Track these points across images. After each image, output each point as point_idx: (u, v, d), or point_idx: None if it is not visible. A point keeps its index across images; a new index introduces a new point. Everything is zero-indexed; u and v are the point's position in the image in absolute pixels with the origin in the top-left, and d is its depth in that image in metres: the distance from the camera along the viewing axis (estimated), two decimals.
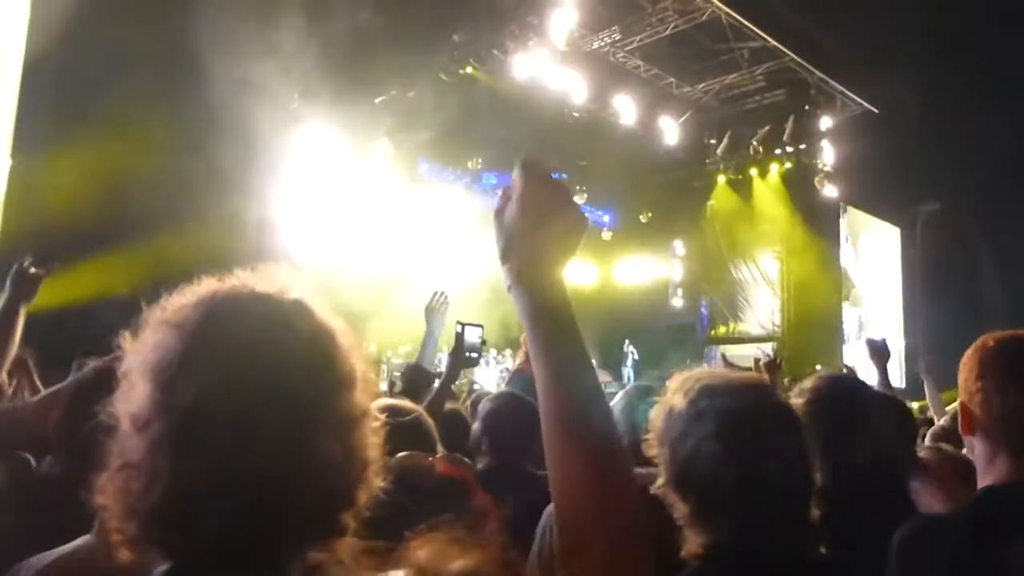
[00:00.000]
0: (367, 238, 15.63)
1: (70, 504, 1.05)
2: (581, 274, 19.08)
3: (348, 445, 0.87)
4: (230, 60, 9.67)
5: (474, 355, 3.58)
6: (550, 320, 1.03)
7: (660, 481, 1.36)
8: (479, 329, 3.56)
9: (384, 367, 14.00)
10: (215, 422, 0.80)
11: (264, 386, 0.82)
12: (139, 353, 0.85)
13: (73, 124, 8.95)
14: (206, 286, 0.90)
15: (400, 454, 1.39)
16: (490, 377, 14.17)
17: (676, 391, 1.41)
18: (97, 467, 0.84)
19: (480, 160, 15.69)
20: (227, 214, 10.44)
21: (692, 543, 1.32)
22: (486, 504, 1.54)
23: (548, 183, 1.08)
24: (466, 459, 1.67)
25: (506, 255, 1.07)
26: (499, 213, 1.09)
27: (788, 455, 1.32)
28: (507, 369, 13.57)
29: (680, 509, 1.33)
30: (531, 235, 1.05)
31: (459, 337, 3.50)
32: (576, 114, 15.26)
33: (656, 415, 1.42)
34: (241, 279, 0.92)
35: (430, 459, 1.37)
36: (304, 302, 0.91)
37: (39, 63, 8.77)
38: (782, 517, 1.30)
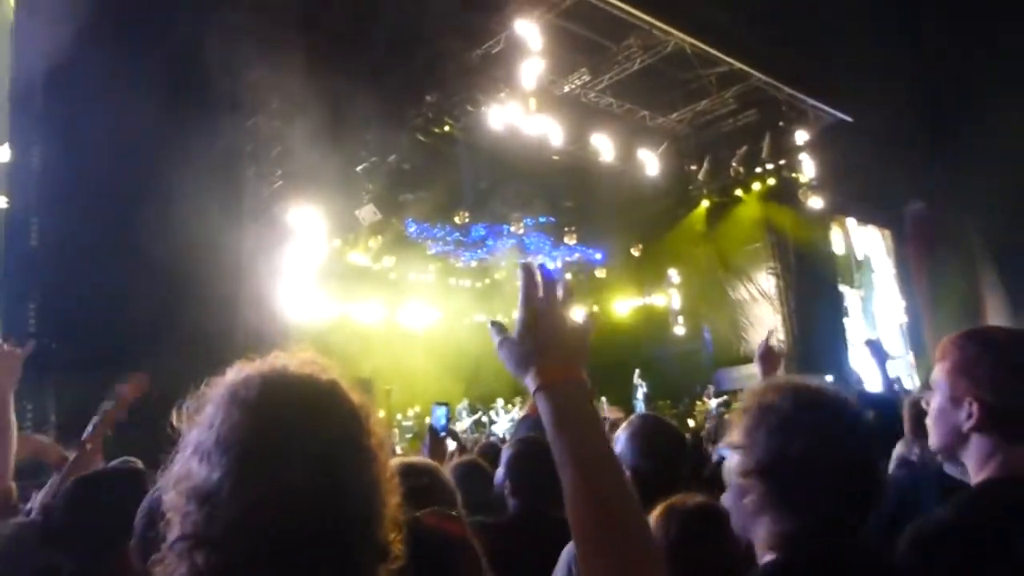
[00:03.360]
0: (363, 305, 15.71)
1: None
2: (580, 315, 19.01)
3: (381, 505, 0.98)
4: (210, 149, 9.83)
5: (441, 435, 4.03)
6: (576, 420, 1.07)
7: (742, 468, 1.44)
8: (444, 408, 4.17)
9: (396, 430, 14.00)
10: (279, 488, 0.90)
11: (318, 453, 0.93)
12: (205, 428, 0.95)
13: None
14: (251, 367, 1.00)
15: None
16: (502, 427, 14.22)
17: (768, 391, 1.48)
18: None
19: (467, 214, 15.85)
20: (220, 297, 10.43)
21: (767, 532, 1.40)
22: (478, 558, 1.61)
23: (550, 298, 1.15)
24: (454, 512, 1.78)
25: (525, 366, 1.12)
26: (504, 343, 1.15)
27: (864, 457, 1.41)
28: (513, 419, 13.64)
29: (758, 494, 1.40)
30: (548, 344, 1.12)
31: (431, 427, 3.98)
32: (556, 157, 15.49)
33: (745, 408, 1.49)
34: (277, 360, 1.02)
35: (416, 514, 1.46)
36: (338, 382, 1.02)
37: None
38: (856, 515, 1.38)
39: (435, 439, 3.89)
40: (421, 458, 2.50)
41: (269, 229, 12.07)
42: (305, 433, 0.93)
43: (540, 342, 1.12)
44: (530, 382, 1.11)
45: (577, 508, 1.02)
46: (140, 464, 2.94)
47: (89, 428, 2.79)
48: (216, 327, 9.77)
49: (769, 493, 1.38)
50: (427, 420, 14.43)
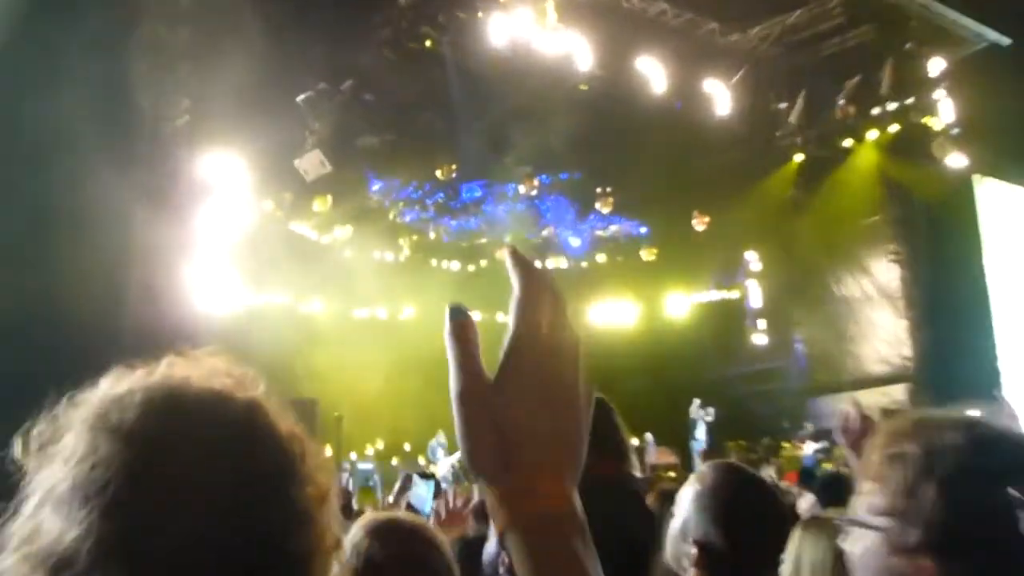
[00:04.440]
0: (306, 294, 15.69)
1: None
2: (618, 313, 19.28)
3: None
4: (85, 67, 9.73)
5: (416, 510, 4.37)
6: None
7: (902, 540, 1.44)
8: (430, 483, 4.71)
9: (348, 476, 14.09)
10: (161, 558, 0.89)
11: (223, 508, 0.93)
12: (60, 466, 0.94)
13: None
14: (132, 378, 1.00)
15: None
16: None
17: (913, 430, 1.49)
18: None
19: (455, 167, 15.81)
20: (98, 280, 10.46)
21: None
22: None
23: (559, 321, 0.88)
24: None
25: (492, 463, 0.86)
26: (466, 394, 0.85)
27: None
28: None
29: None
30: (537, 423, 0.86)
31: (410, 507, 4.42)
32: (584, 87, 15.40)
33: (879, 459, 1.51)
34: (172, 369, 1.02)
35: None
36: (261, 403, 1.02)
37: None
38: None
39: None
40: (410, 516, 2.57)
41: (170, 185, 12.15)
42: (205, 478, 0.94)
43: (525, 416, 0.85)
44: (495, 506, 0.85)
45: None
46: None
47: None
48: (92, 323, 9.83)
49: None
50: (393, 463, 14.61)
